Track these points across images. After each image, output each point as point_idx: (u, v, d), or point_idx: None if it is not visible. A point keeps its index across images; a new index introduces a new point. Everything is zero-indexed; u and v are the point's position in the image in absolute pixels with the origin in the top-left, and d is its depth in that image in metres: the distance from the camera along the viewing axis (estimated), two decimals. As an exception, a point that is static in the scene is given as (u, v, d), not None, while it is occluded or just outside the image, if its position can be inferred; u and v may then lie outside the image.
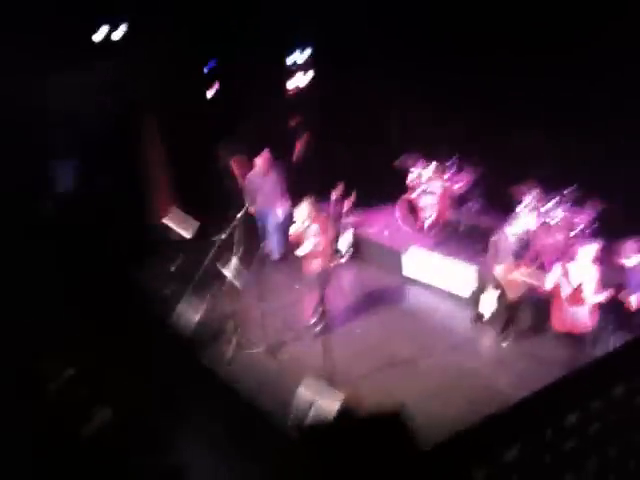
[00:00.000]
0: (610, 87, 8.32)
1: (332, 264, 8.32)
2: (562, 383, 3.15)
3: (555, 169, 9.31)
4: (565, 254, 7.07)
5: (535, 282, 7.01)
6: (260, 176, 10.03)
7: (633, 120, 8.18)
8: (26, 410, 6.28)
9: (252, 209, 9.73)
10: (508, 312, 7.95)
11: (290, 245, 8.61)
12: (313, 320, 8.39)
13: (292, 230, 8.16)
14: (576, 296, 6.54)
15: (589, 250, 6.62)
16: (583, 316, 6.70)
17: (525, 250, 7.58)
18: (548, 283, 6.74)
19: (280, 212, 10.16)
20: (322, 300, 8.32)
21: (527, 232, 7.95)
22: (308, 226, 7.98)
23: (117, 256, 9.64)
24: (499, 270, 7.67)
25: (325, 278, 8.24)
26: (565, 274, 6.58)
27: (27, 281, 8.37)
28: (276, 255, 10.28)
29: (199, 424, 6.98)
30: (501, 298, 8.08)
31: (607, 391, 3.18)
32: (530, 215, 8.60)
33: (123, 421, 6.44)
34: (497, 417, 2.81)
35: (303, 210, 8.03)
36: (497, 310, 8.30)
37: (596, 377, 3.28)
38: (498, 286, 8.06)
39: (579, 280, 6.53)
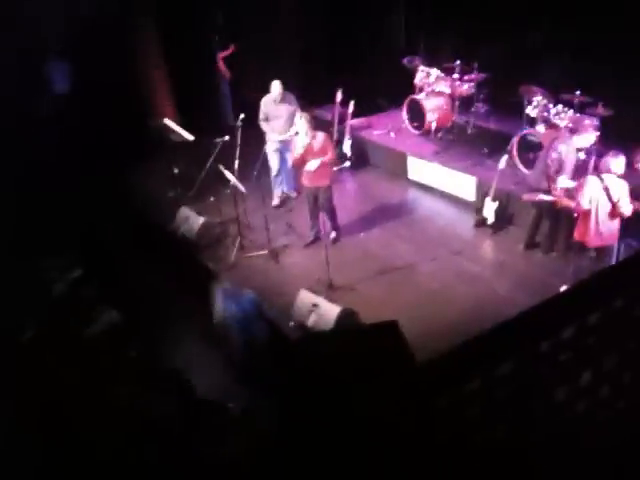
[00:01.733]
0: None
1: (337, 168, 8.17)
2: (559, 297, 3.15)
3: (560, 73, 9.06)
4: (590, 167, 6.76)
5: (570, 202, 6.76)
6: (274, 103, 8.97)
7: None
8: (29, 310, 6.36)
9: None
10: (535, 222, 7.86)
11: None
12: (321, 232, 8.28)
13: (299, 144, 7.89)
14: (614, 210, 6.38)
15: (619, 161, 6.42)
16: (613, 229, 6.54)
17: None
18: (585, 201, 6.41)
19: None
20: (332, 214, 8.27)
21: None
22: (314, 137, 7.83)
23: (118, 158, 9.53)
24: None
25: (330, 193, 8.16)
26: (601, 188, 6.38)
27: (28, 181, 8.32)
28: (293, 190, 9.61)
29: (201, 324, 7.11)
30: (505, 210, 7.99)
31: (606, 304, 3.17)
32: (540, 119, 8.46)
33: (129, 323, 6.55)
34: (492, 330, 2.81)
35: (301, 127, 7.82)
36: (500, 219, 8.27)
37: (595, 290, 3.27)
38: (498, 198, 8.03)
39: (615, 193, 6.36)
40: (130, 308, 6.74)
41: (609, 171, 6.40)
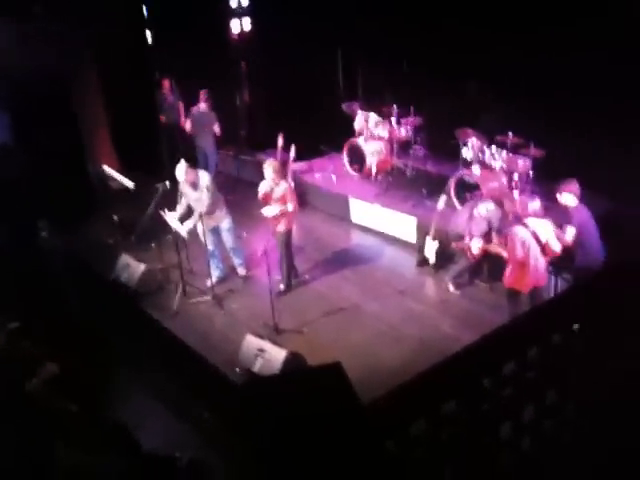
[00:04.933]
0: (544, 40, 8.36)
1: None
2: (500, 331, 3.20)
3: (492, 116, 9.41)
4: (517, 214, 6.85)
5: (503, 252, 6.86)
6: (188, 187, 8.10)
7: (565, 65, 8.27)
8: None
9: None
10: (463, 264, 8.00)
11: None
12: (280, 279, 8.24)
13: (261, 189, 7.91)
14: (545, 251, 6.46)
15: (535, 203, 6.56)
16: (542, 270, 6.57)
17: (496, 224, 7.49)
18: (518, 251, 6.36)
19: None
20: (286, 261, 8.20)
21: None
22: (276, 184, 7.83)
23: (57, 207, 9.34)
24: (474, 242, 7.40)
25: (289, 238, 8.14)
26: (529, 234, 6.49)
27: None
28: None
29: (144, 375, 6.95)
30: (448, 249, 8.18)
31: (544, 339, 3.24)
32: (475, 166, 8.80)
33: (69, 377, 6.36)
34: (435, 370, 2.83)
35: (267, 173, 7.84)
36: (441, 258, 8.41)
37: (534, 325, 3.34)
38: (438, 237, 8.23)
39: (542, 234, 6.43)
40: (71, 359, 6.55)
41: (529, 214, 6.49)
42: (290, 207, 7.88)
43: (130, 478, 5.11)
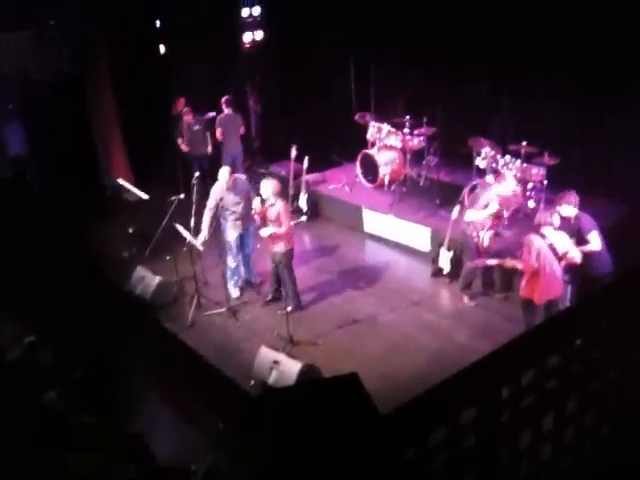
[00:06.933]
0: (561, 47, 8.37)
1: (293, 222, 8.06)
2: (519, 341, 3.17)
3: (506, 125, 9.40)
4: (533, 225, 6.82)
5: (518, 265, 6.79)
6: (227, 192, 8.19)
7: (580, 76, 8.29)
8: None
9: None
10: (470, 272, 7.98)
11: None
12: (281, 293, 8.13)
13: (256, 206, 7.76)
14: (564, 261, 6.38)
15: (553, 218, 6.49)
16: (558, 283, 6.51)
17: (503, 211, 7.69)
18: (533, 261, 6.29)
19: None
20: (288, 282, 8.00)
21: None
22: (272, 205, 7.67)
23: (73, 218, 9.39)
24: (476, 216, 7.56)
25: (290, 258, 7.95)
26: (546, 245, 6.42)
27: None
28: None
29: (159, 386, 6.94)
30: (462, 258, 8.17)
31: (565, 347, 3.21)
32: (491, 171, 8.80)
33: (84, 387, 6.37)
34: (454, 379, 2.80)
35: (265, 190, 7.71)
36: (456, 268, 8.38)
37: (553, 333, 3.31)
38: (452, 247, 8.25)
39: (560, 246, 6.37)
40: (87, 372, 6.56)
41: (546, 224, 6.40)
42: (282, 229, 7.65)
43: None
